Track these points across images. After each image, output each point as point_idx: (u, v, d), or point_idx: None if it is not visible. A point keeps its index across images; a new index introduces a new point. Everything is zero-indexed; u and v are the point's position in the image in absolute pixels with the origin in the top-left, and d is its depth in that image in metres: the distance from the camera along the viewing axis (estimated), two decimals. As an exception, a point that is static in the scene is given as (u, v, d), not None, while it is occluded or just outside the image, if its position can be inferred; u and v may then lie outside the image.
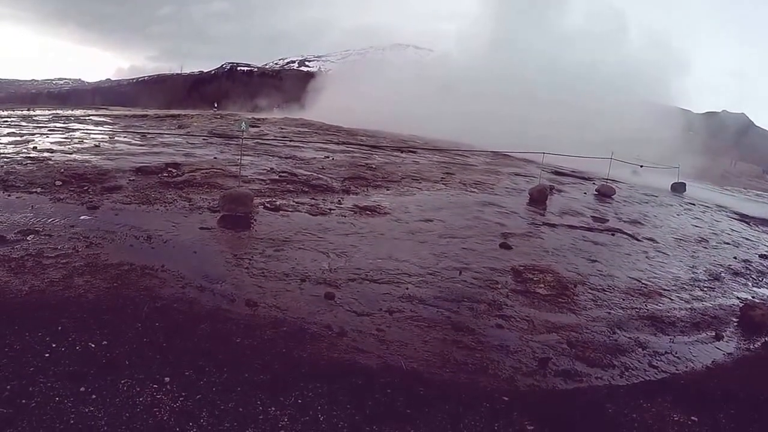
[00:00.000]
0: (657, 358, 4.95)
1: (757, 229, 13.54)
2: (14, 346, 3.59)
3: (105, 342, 3.78)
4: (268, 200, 8.51)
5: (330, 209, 8.51)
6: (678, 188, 17.92)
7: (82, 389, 3.24)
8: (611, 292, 6.50)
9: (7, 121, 18.43)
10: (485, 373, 4.18)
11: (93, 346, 3.72)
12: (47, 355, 3.54)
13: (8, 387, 3.16)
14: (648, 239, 9.77)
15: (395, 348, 4.35)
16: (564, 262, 7.34)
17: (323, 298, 5.09)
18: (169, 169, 10.07)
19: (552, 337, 5.00)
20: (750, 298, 7.28)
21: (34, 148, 11.40)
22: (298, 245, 6.54)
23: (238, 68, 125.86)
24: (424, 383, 3.87)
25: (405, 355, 4.25)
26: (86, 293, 4.52)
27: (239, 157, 10.31)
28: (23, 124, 17.46)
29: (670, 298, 6.70)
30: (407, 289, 5.62)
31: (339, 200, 9.24)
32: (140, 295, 4.59)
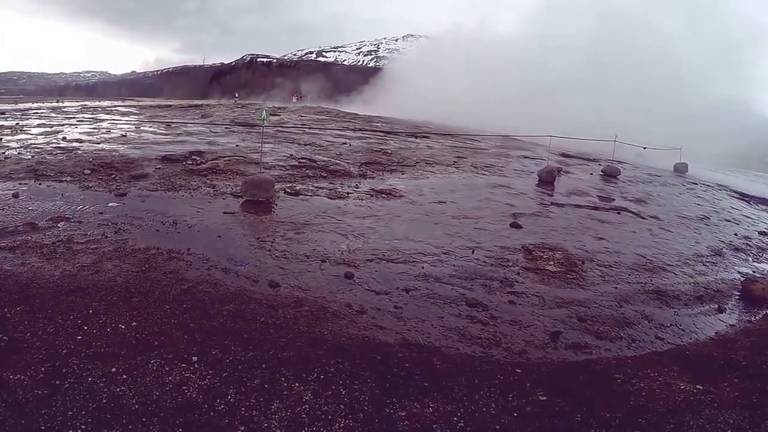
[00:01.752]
0: (663, 330, 5.02)
1: (756, 207, 13.43)
2: (48, 329, 3.74)
3: (134, 323, 3.92)
4: (288, 185, 8.63)
5: (348, 193, 8.60)
6: (681, 168, 17.85)
7: (113, 370, 3.35)
8: (618, 268, 6.53)
9: (37, 113, 19.01)
10: (499, 347, 4.24)
11: (123, 327, 3.86)
12: (79, 337, 3.68)
13: (42, 369, 3.28)
14: (652, 217, 9.78)
15: (412, 324, 4.44)
16: (572, 240, 7.38)
17: (343, 277, 5.19)
18: (193, 157, 10.28)
19: (562, 312, 5.07)
20: (751, 272, 7.27)
21: (64, 139, 11.76)
22: (317, 228, 6.65)
23: (258, 59, 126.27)
24: (441, 357, 3.94)
25: (422, 331, 4.33)
26: (115, 277, 4.68)
27: (260, 144, 10.45)
28: (53, 115, 18.01)
29: (674, 273, 6.74)
30: (423, 268, 5.69)
31: (356, 184, 9.33)
32: (167, 278, 4.74)
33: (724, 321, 5.49)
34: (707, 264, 7.38)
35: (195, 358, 3.56)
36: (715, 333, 5.14)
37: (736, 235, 9.52)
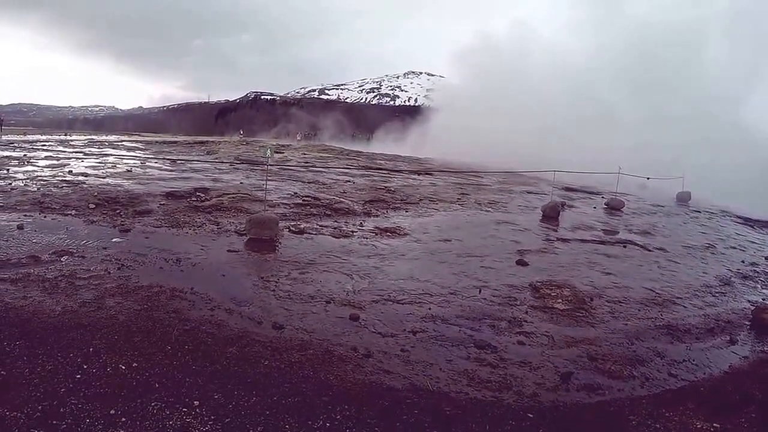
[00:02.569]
0: (675, 366, 4.92)
1: (761, 231, 13.58)
2: (46, 366, 3.66)
3: (135, 364, 3.83)
4: (292, 223, 8.61)
5: (352, 231, 8.57)
6: (683, 197, 18.18)
7: (112, 412, 3.25)
8: (627, 304, 6.46)
9: (45, 145, 19.21)
10: (509, 391, 4.12)
11: (123, 368, 3.76)
12: (78, 376, 3.59)
13: (40, 407, 3.20)
14: (658, 249, 9.78)
15: (420, 368, 4.32)
16: (579, 276, 7.32)
17: (348, 319, 5.09)
18: (198, 193, 10.31)
19: (572, 351, 4.96)
20: (760, 300, 7.25)
21: (70, 172, 11.84)
22: (322, 267, 6.58)
23: (262, 97, 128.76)
24: (450, 402, 3.82)
25: (430, 375, 4.22)
26: (117, 315, 4.60)
27: (264, 182, 10.50)
28: (60, 148, 18.20)
29: (683, 306, 6.67)
30: (429, 308, 5.60)
31: (361, 223, 9.30)
32: (170, 318, 4.66)
33: (737, 353, 5.43)
34: (716, 294, 7.35)
35: (197, 403, 3.45)
36: (729, 366, 5.07)
37: (743, 262, 9.56)
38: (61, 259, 5.88)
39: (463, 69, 46.48)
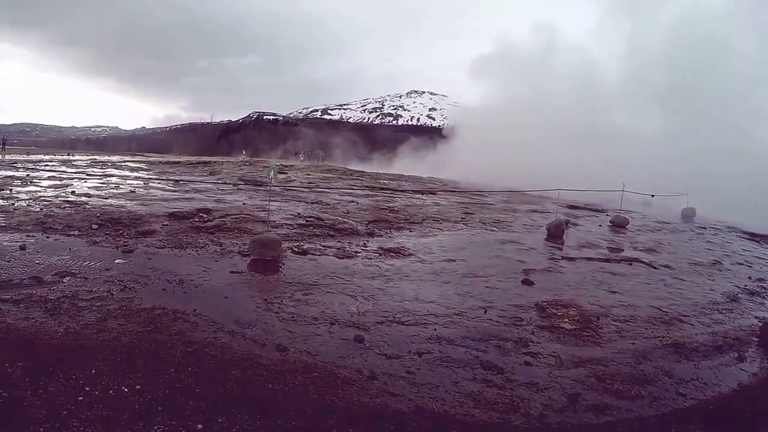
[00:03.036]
0: (684, 385, 4.85)
1: (767, 246, 13.45)
2: (48, 388, 3.62)
3: (138, 386, 3.78)
4: (296, 244, 8.58)
5: (356, 252, 8.53)
6: (688, 214, 18.10)
7: (115, 435, 3.19)
8: (634, 323, 6.38)
9: (48, 165, 19.32)
10: (516, 413, 4.06)
11: (126, 390, 3.72)
12: (80, 398, 3.55)
13: (41, 430, 3.16)
14: (664, 266, 9.69)
15: (426, 390, 4.26)
16: (586, 295, 7.26)
17: (353, 341, 5.04)
18: (201, 214, 10.31)
19: (580, 372, 4.89)
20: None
21: (73, 192, 11.89)
22: (326, 289, 6.54)
23: (264, 117, 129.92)
24: (457, 425, 3.76)
25: (436, 397, 4.16)
26: (120, 337, 4.56)
27: (267, 202, 10.51)
28: (63, 168, 18.30)
29: (691, 324, 6.59)
30: (435, 330, 5.54)
31: (364, 243, 9.27)
32: (173, 340, 4.61)
33: (746, 370, 5.37)
34: (723, 311, 7.27)
35: (200, 426, 3.40)
36: (738, 384, 5.01)
37: (749, 278, 9.48)
38: (64, 280, 5.85)
39: (482, 81, 45.96)
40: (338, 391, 4.07)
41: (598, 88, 36.14)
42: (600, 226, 14.09)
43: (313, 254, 8.11)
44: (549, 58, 39.74)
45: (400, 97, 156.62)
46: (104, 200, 11.16)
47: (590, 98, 34.92)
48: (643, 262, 9.81)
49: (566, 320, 6.19)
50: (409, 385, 4.32)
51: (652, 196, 17.18)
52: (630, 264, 9.58)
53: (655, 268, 9.50)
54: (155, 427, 3.33)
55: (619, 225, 14.05)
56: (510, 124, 34.45)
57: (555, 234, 11.66)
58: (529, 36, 50.80)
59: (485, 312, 6.22)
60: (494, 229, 12.12)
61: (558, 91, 35.93)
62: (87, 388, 3.67)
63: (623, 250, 11.03)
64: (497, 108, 37.72)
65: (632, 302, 7.13)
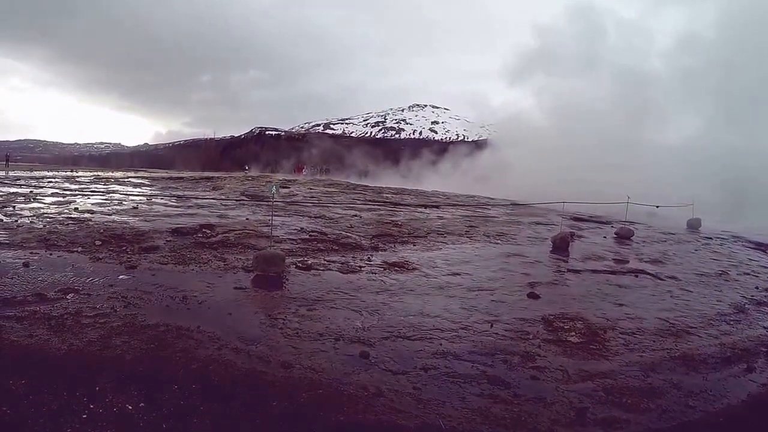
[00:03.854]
0: (693, 397, 4.80)
1: None
2: (52, 406, 3.59)
3: (142, 404, 3.75)
4: (299, 259, 8.56)
5: (360, 267, 8.50)
6: (694, 224, 18.09)
7: (120, 453, 3.17)
8: (641, 335, 6.33)
9: (51, 182, 19.40)
10: (524, 428, 4.01)
11: (130, 408, 3.69)
12: (84, 416, 3.52)
13: (45, 449, 3.12)
14: (670, 278, 9.64)
15: (432, 407, 4.21)
16: (592, 308, 7.21)
17: (358, 357, 4.99)
18: (204, 230, 10.30)
19: (588, 386, 4.84)
20: None
21: (76, 209, 11.91)
22: (330, 304, 6.50)
23: (266, 132, 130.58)
24: (465, 445, 3.70)
25: (443, 414, 4.11)
26: (124, 354, 4.53)
27: (270, 217, 10.51)
28: (66, 184, 18.37)
29: (698, 336, 6.53)
30: (441, 344, 5.50)
31: (368, 257, 9.24)
32: (177, 357, 4.58)
33: (755, 381, 5.31)
34: (731, 322, 7.21)
35: (205, 445, 3.36)
36: (747, 395, 4.96)
37: (756, 288, 9.42)
38: (67, 297, 5.83)
39: (519, 85, 45.76)
40: (344, 408, 4.02)
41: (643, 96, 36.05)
42: (605, 237, 14.08)
43: (317, 269, 8.08)
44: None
45: (402, 110, 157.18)
46: (107, 216, 11.18)
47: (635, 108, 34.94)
48: (649, 274, 9.77)
49: (573, 333, 6.15)
50: (415, 402, 4.27)
51: (657, 207, 17.18)
52: (636, 276, 9.54)
53: (661, 279, 9.46)
54: (160, 446, 3.29)
55: (624, 236, 14.02)
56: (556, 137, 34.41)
57: (560, 246, 11.64)
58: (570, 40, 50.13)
59: (491, 326, 6.17)
60: (498, 242, 12.12)
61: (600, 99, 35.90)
62: (91, 406, 3.64)
63: (629, 261, 10.99)
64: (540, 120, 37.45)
65: (639, 314, 7.08)
